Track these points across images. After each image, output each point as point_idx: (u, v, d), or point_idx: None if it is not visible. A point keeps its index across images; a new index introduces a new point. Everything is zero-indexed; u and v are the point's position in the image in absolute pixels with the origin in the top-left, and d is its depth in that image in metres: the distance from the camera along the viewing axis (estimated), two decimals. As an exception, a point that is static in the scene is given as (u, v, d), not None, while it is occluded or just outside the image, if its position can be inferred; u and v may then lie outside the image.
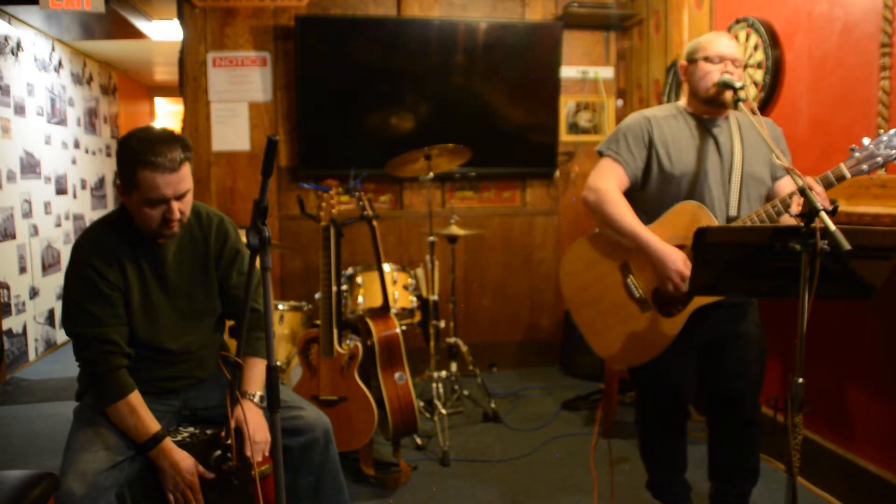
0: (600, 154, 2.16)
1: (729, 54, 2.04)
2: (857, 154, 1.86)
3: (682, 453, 2.33)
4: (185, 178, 1.83)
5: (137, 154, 1.77)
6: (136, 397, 1.85)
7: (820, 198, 1.76)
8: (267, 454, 1.93)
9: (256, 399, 2.00)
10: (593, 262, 2.19)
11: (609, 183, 2.08)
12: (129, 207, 1.87)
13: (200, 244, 2.02)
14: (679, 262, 1.96)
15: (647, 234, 2.02)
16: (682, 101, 2.18)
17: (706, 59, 2.05)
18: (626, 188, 2.11)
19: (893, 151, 1.82)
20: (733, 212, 2.05)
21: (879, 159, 1.83)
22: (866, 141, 1.86)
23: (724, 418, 2.25)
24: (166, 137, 1.81)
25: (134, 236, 1.91)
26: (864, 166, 1.84)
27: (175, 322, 1.99)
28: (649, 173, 2.10)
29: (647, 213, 2.10)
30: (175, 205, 1.82)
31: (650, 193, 2.11)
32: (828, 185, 1.87)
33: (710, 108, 2.09)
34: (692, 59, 2.09)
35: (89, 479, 1.70)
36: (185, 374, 2.05)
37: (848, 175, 1.86)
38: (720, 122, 2.10)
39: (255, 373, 2.03)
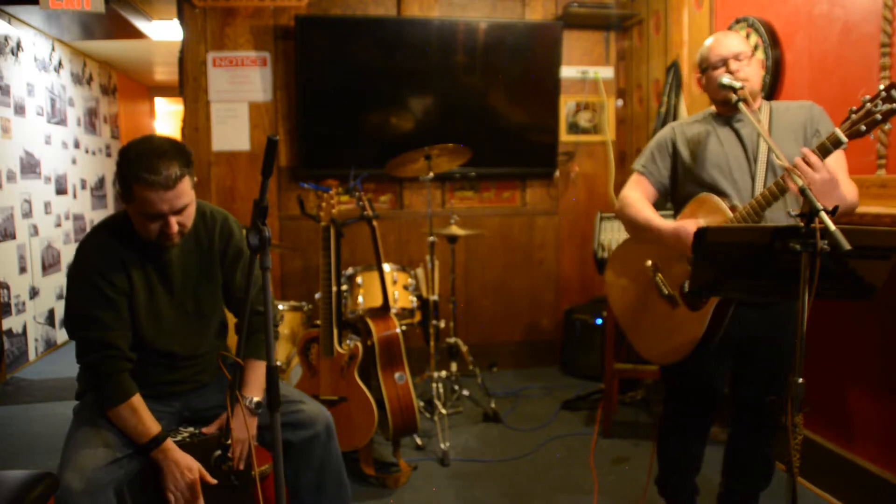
0: (633, 171, 2.30)
1: (727, 53, 2.06)
2: (853, 115, 1.72)
3: (699, 455, 2.33)
4: (182, 193, 1.79)
5: (133, 169, 1.74)
6: (137, 400, 1.85)
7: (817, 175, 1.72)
8: (244, 453, 1.92)
9: (252, 404, 1.98)
10: (627, 266, 2.31)
11: (632, 192, 2.24)
12: (130, 215, 1.86)
13: (205, 244, 2.01)
14: (692, 228, 1.92)
15: (659, 220, 2.11)
16: (712, 107, 2.23)
17: (711, 67, 2.09)
18: (653, 197, 2.25)
19: (894, 104, 1.65)
20: None
21: (878, 116, 1.67)
22: (866, 98, 1.70)
23: (749, 421, 2.25)
24: (165, 150, 1.76)
25: (138, 239, 1.90)
26: (863, 126, 1.70)
27: (180, 325, 1.98)
28: (678, 175, 2.20)
29: (683, 210, 2.18)
30: (173, 219, 1.81)
31: (684, 192, 2.20)
32: (825, 153, 1.77)
33: (729, 108, 2.13)
34: (702, 70, 2.14)
35: (88, 475, 1.69)
36: (189, 379, 2.05)
37: (844, 140, 1.72)
38: (741, 116, 2.11)
39: (256, 376, 2.02)
